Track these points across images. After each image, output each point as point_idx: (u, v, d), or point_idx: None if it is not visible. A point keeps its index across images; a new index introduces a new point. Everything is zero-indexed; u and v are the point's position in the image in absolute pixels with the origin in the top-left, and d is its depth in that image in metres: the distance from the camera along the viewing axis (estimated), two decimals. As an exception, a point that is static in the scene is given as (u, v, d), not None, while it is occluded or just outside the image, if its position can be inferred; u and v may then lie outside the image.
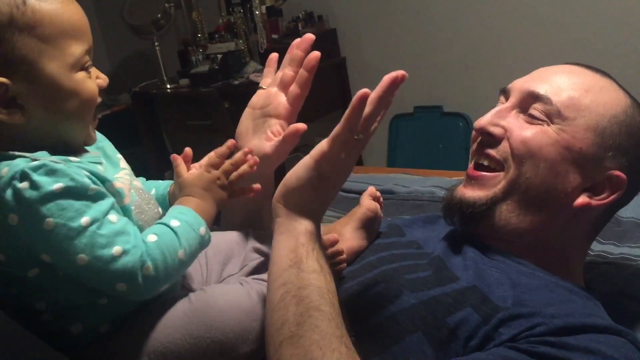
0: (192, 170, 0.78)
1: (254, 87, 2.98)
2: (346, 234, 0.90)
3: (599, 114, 0.79)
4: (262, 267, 0.85)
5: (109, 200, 0.65)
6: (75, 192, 0.62)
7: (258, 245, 0.88)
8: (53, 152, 0.65)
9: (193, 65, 2.72)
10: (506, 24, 2.32)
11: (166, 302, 0.72)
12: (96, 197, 0.64)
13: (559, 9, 2.20)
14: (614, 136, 0.79)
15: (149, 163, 2.87)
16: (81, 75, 0.66)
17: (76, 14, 0.66)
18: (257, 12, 2.62)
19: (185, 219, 0.70)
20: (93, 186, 0.64)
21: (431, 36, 2.50)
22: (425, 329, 0.69)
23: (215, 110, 2.46)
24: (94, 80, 0.68)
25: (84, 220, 0.62)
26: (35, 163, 0.62)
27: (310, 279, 0.66)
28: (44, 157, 0.63)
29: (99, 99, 0.70)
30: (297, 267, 0.67)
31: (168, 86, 2.79)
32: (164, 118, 2.69)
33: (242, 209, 0.92)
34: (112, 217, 0.64)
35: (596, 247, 1.09)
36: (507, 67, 2.34)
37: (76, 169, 0.64)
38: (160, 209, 0.78)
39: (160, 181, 0.87)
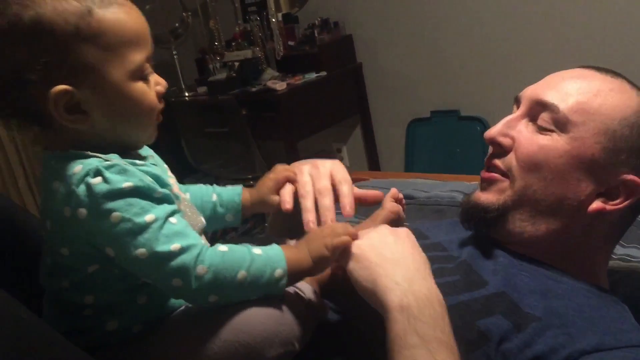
0: None
1: (272, 93, 2.99)
2: None
3: (609, 117, 0.78)
4: None
5: (173, 205, 0.67)
6: (143, 192, 0.65)
7: None
8: (114, 153, 0.68)
9: (211, 73, 2.75)
10: (522, 27, 2.31)
11: (195, 307, 0.73)
12: (161, 200, 0.66)
13: (576, 13, 2.18)
14: (625, 139, 0.78)
15: (168, 170, 2.90)
16: (141, 85, 0.68)
17: (137, 22, 0.68)
18: (273, 20, 2.64)
19: (270, 252, 0.69)
20: (159, 189, 0.67)
21: (447, 40, 2.50)
22: (455, 331, 0.69)
23: (233, 117, 2.48)
24: (153, 90, 0.71)
25: (148, 217, 0.64)
26: (109, 162, 0.65)
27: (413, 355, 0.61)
28: (115, 159, 0.66)
29: (160, 105, 0.72)
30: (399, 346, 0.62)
31: (186, 94, 2.82)
32: (182, 125, 2.72)
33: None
34: (173, 219, 0.66)
35: (619, 250, 1.08)
36: (524, 71, 2.32)
37: (143, 174, 0.66)
38: (202, 218, 0.80)
39: (228, 187, 0.88)
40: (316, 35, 2.62)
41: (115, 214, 0.63)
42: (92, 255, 0.67)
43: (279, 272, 0.68)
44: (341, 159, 2.99)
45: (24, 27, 0.62)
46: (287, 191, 0.82)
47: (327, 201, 0.79)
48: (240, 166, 2.68)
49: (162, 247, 0.63)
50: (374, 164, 2.86)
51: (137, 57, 0.67)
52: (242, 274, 0.66)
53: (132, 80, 0.67)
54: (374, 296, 0.67)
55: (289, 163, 0.87)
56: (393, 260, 0.69)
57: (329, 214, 0.77)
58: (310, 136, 2.69)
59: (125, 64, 0.66)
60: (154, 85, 0.71)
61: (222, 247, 0.67)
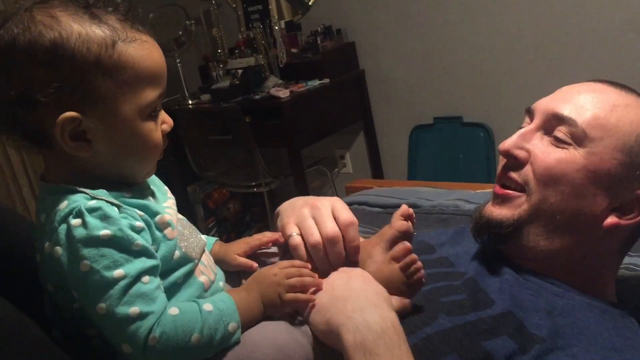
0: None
1: (275, 101, 2.98)
2: (376, 256, 0.89)
3: (626, 133, 0.78)
4: None
5: (150, 261, 0.65)
6: (120, 243, 0.63)
7: None
8: (109, 186, 0.67)
9: (214, 81, 2.75)
10: (525, 34, 2.31)
11: None
12: (138, 254, 0.64)
13: (578, 21, 2.18)
14: None
15: (172, 177, 2.91)
16: (149, 123, 0.68)
17: (157, 61, 0.68)
18: (276, 27, 2.65)
19: (222, 306, 0.68)
20: (139, 241, 0.64)
21: (449, 47, 2.50)
22: (460, 351, 0.69)
23: (236, 125, 2.48)
24: (159, 128, 0.70)
25: (117, 272, 0.62)
26: (92, 204, 0.63)
27: None
28: (102, 195, 0.65)
29: (165, 143, 0.71)
30: None
31: (190, 102, 2.82)
32: (186, 133, 2.72)
33: None
34: (146, 278, 0.64)
35: (625, 259, 1.07)
36: (527, 77, 2.32)
37: (125, 220, 0.64)
38: (204, 238, 0.78)
39: (208, 237, 0.87)
40: (319, 42, 2.63)
41: (85, 263, 0.61)
42: (71, 293, 0.65)
43: (232, 325, 0.67)
44: (344, 166, 2.99)
45: (44, 48, 0.61)
46: (301, 248, 0.79)
47: (338, 249, 0.78)
48: (243, 173, 2.68)
49: (121, 309, 0.61)
50: (377, 171, 2.86)
51: (151, 95, 0.67)
52: (195, 337, 0.64)
53: (141, 116, 0.67)
54: (331, 336, 0.68)
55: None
56: (343, 297, 0.70)
57: (339, 262, 0.78)
58: (314, 143, 2.69)
59: (138, 101, 0.66)
60: (161, 124, 0.70)
61: (174, 310, 0.64)
